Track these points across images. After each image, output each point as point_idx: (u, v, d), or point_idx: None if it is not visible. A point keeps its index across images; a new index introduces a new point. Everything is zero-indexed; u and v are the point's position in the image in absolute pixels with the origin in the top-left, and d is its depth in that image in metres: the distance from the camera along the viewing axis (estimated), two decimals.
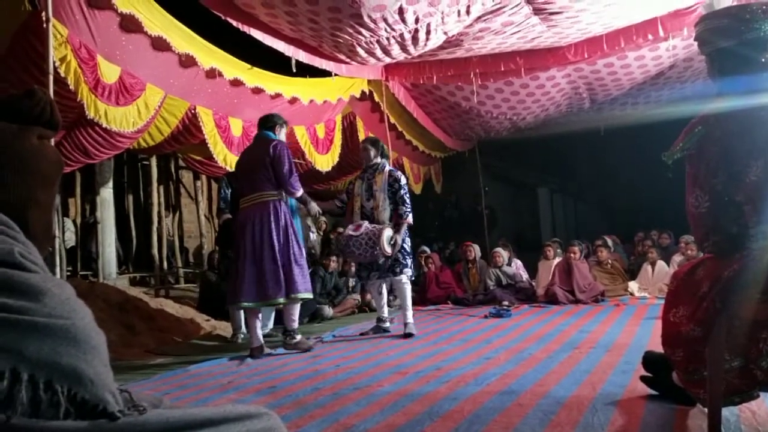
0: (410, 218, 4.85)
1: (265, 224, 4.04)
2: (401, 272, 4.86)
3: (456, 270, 7.80)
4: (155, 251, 6.81)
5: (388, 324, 5.03)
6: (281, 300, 4.06)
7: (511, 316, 5.69)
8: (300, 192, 4.25)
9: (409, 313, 4.86)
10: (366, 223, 4.74)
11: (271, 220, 4.05)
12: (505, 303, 6.60)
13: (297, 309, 4.24)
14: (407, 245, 4.92)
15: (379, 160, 4.99)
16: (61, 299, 0.81)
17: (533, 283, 7.21)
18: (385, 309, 5.08)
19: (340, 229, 8.14)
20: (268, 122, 4.42)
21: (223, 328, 5.58)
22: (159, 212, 7.02)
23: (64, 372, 0.78)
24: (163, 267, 6.93)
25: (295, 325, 4.27)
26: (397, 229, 4.75)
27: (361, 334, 4.93)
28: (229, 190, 5.09)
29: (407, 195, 4.90)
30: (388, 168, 4.97)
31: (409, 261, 4.93)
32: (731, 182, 1.84)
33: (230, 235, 4.79)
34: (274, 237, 4.04)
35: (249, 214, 4.09)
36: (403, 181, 4.97)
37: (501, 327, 4.92)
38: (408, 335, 4.67)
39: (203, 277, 6.25)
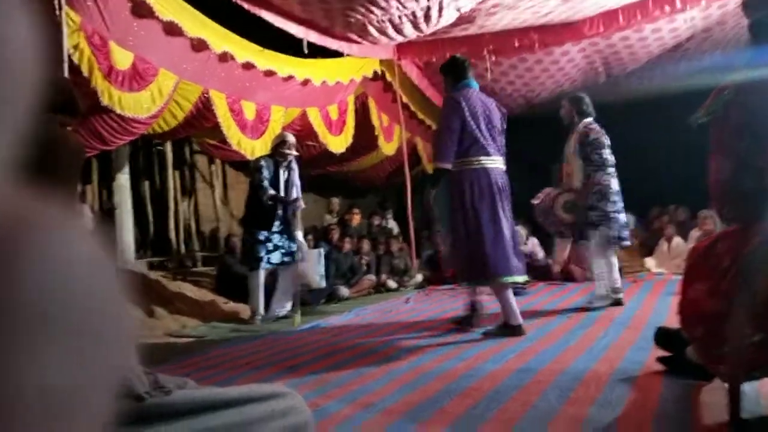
0: (597, 176, 4.43)
1: (506, 192, 3.65)
2: (588, 235, 4.56)
3: None
4: (172, 235, 6.85)
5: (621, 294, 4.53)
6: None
7: (527, 294, 5.65)
8: None
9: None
10: (548, 189, 4.79)
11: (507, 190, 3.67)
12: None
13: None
14: (596, 208, 4.45)
15: (577, 119, 4.61)
16: None
17: (549, 261, 7.17)
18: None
19: (356, 210, 8.17)
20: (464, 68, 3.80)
21: (242, 311, 5.58)
22: (175, 197, 7.06)
23: None
24: (180, 251, 6.98)
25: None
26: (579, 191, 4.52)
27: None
28: (267, 173, 5.04)
29: (596, 149, 4.46)
30: (581, 125, 4.56)
31: (597, 227, 4.48)
32: (755, 147, 1.81)
33: (266, 215, 4.85)
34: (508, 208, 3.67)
35: (494, 175, 3.58)
36: (592, 135, 4.52)
37: (517, 304, 4.86)
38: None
39: (221, 260, 6.27)
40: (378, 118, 7.46)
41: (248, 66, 5.44)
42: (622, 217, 4.49)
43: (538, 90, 7.91)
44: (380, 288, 6.88)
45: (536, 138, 8.06)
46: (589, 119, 4.50)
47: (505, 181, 3.59)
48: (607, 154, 4.35)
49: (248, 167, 5.79)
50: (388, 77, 7.02)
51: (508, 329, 3.50)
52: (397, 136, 7.66)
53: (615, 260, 4.44)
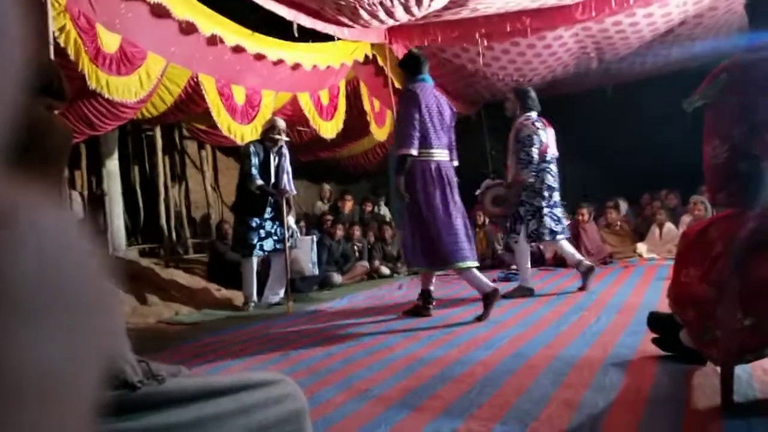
0: (522, 174, 4.56)
1: (454, 182, 3.85)
2: (514, 230, 4.82)
3: None
4: (163, 222, 6.78)
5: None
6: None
7: (519, 280, 5.52)
8: None
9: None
10: (488, 181, 4.98)
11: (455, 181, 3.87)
12: (513, 267, 6.39)
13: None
14: (527, 204, 4.65)
15: (519, 112, 4.66)
16: None
17: (541, 247, 7.03)
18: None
19: (348, 197, 8.12)
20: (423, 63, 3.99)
21: (235, 297, 5.57)
22: (165, 183, 6.99)
23: None
24: (172, 238, 6.92)
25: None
26: (509, 185, 4.74)
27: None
28: (256, 159, 5.02)
29: (525, 147, 4.55)
30: (518, 120, 4.63)
31: (525, 223, 4.67)
32: (751, 134, 1.80)
33: (258, 202, 4.80)
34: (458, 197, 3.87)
35: (444, 167, 3.78)
36: (523, 131, 4.61)
37: (507, 290, 4.86)
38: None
39: (213, 247, 6.25)
40: (369, 103, 7.39)
41: (238, 49, 5.35)
42: (557, 211, 4.58)
43: (530, 75, 7.83)
44: (373, 274, 6.87)
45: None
46: (530, 114, 4.50)
47: (453, 173, 3.75)
48: (535, 153, 4.36)
49: (239, 153, 5.73)
50: (380, 61, 6.90)
51: (490, 296, 3.64)
52: (389, 121, 7.55)
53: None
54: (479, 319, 3.62)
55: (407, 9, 5.62)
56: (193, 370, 2.64)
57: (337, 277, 6.32)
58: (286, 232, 5.06)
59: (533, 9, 6.27)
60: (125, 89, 4.58)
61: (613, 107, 8.94)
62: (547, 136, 4.56)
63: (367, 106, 7.31)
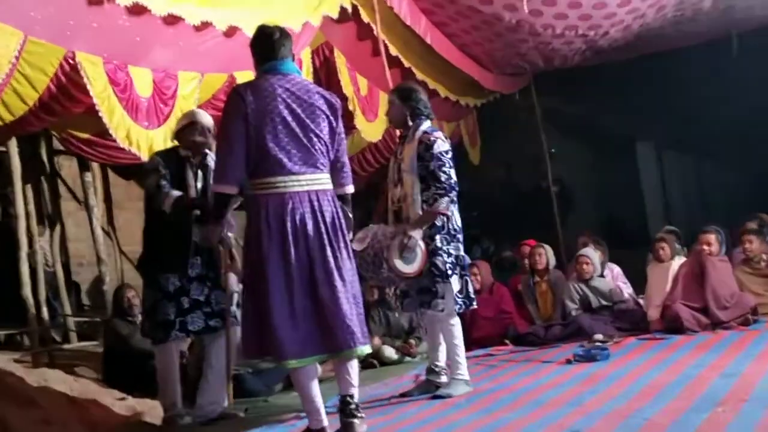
0: (442, 204, 3.93)
1: (326, 224, 3.41)
2: (430, 302, 3.95)
3: (513, 287, 6.45)
4: (27, 292, 5.71)
5: (444, 378, 4.18)
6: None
7: (610, 358, 4.78)
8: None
9: (458, 362, 4.14)
10: (375, 227, 4.06)
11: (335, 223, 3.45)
12: (599, 337, 5.43)
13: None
14: (445, 253, 3.98)
15: (410, 122, 4.21)
16: None
17: (641, 302, 5.98)
18: (441, 354, 4.21)
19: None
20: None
21: (149, 409, 4.51)
22: (29, 228, 5.91)
23: None
24: (41, 317, 5.87)
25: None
26: (415, 225, 3.88)
27: (401, 395, 4.17)
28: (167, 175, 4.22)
29: (444, 167, 4.00)
30: (421, 130, 4.11)
31: (451, 283, 3.99)
32: None
33: (177, 249, 3.95)
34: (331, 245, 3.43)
35: (295, 204, 3.32)
36: (439, 145, 4.08)
37: (595, 378, 4.20)
38: (438, 396, 4.01)
39: (110, 328, 5.24)
40: (352, 84, 6.23)
41: (137, 9, 4.27)
42: (467, 260, 4.48)
43: (605, 26, 6.44)
44: (372, 360, 5.45)
45: (606, 100, 6.68)
46: (428, 123, 4.18)
47: (331, 210, 3.28)
48: (454, 174, 4.10)
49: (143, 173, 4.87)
50: (365, 16, 5.66)
51: None
52: (384, 110, 6.21)
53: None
54: None
55: None
56: None
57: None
58: (228, 298, 4.11)
59: None
60: None
61: (744, 71, 7.46)
62: None
63: (347, 88, 6.13)
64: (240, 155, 3.19)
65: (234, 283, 4.20)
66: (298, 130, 3.22)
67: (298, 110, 3.23)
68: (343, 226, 3.23)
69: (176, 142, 4.26)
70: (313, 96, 3.32)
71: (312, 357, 3.17)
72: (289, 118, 3.21)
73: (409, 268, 3.76)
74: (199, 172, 4.15)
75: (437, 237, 3.92)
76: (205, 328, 4.01)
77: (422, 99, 4.22)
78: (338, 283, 3.17)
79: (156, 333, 3.98)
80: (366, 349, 3.22)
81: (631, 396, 3.46)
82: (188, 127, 4.10)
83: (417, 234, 3.78)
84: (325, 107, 3.33)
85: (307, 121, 3.24)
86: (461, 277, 4.06)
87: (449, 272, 3.94)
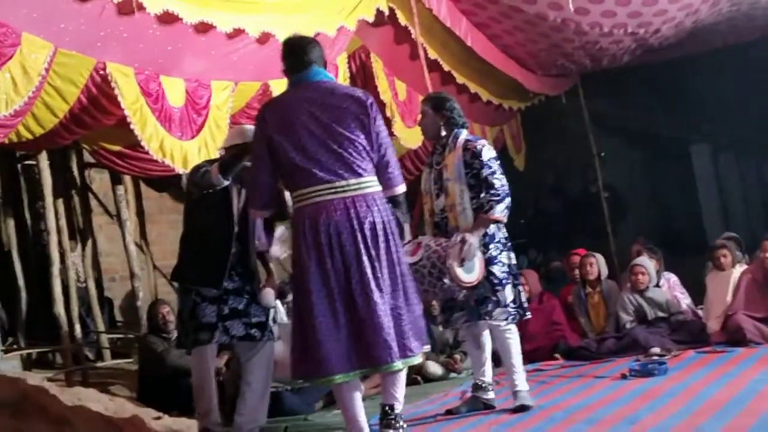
0: (498, 211, 3.85)
1: (364, 234, 3.34)
2: (492, 312, 3.87)
3: (563, 299, 6.25)
4: (59, 309, 5.53)
5: (491, 394, 4.12)
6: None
7: (667, 373, 4.68)
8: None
9: (519, 374, 4.06)
10: (427, 239, 3.91)
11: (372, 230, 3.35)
12: (656, 351, 5.28)
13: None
14: (503, 262, 3.95)
15: (445, 132, 4.13)
16: None
17: (700, 313, 5.86)
18: (488, 370, 4.17)
19: None
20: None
21: (185, 429, 4.01)
22: (60, 243, 5.79)
23: None
24: (74, 334, 5.72)
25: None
26: (474, 230, 3.79)
27: (448, 412, 4.08)
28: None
29: (496, 174, 3.93)
30: (462, 138, 4.05)
31: (507, 291, 3.95)
32: None
33: (217, 261, 3.81)
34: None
35: (326, 214, 3.31)
36: (487, 152, 4.02)
37: (651, 394, 4.15)
38: (522, 408, 3.92)
39: (144, 345, 5.15)
40: (390, 89, 6.18)
41: (167, 18, 4.27)
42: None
43: (656, 24, 6.26)
44: (415, 377, 5.25)
45: (658, 101, 6.62)
46: (466, 132, 4.17)
47: (372, 215, 3.12)
48: (506, 180, 4.08)
49: (178, 187, 5.16)
50: (402, 19, 5.59)
51: None
52: None
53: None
54: None
55: None
56: None
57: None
58: (266, 305, 4.02)
59: None
60: None
61: None
62: None
63: (385, 94, 6.07)
64: (263, 180, 3.26)
65: (271, 298, 4.15)
66: (325, 137, 3.18)
67: (323, 117, 3.18)
68: (388, 230, 3.12)
69: (218, 154, 4.21)
70: (340, 98, 3.27)
71: (356, 371, 3.11)
72: (313, 127, 3.18)
73: (470, 277, 3.68)
74: (243, 191, 4.01)
75: (491, 245, 3.85)
76: (246, 335, 3.93)
77: (456, 108, 4.18)
78: (374, 294, 3.08)
79: (198, 335, 3.88)
80: (410, 361, 3.16)
81: (691, 413, 3.41)
82: (239, 147, 3.92)
83: (476, 241, 3.69)
84: (354, 107, 3.24)
85: (334, 125, 3.19)
86: (514, 286, 3.99)
87: (504, 281, 3.88)
